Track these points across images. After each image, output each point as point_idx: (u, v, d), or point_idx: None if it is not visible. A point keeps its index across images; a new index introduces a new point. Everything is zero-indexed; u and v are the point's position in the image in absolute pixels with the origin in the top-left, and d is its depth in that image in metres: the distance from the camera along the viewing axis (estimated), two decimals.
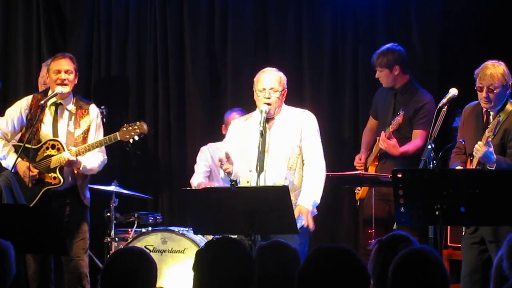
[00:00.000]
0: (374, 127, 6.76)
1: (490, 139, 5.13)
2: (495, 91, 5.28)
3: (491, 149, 5.14)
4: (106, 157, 5.95)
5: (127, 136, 5.65)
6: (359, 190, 6.57)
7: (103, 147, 5.91)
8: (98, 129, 5.87)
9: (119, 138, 5.69)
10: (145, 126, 5.68)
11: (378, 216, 6.38)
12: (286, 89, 5.52)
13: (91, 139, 5.81)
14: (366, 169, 6.53)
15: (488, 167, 5.18)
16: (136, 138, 5.69)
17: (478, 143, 5.16)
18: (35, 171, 5.72)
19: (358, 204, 6.67)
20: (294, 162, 5.43)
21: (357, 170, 6.53)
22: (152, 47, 7.58)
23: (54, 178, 5.72)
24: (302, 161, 5.49)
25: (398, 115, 6.26)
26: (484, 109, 5.40)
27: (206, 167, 6.95)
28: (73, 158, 5.64)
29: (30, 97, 6.02)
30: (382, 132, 6.35)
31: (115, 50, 7.66)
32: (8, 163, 5.87)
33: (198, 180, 6.85)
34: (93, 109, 5.92)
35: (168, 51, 7.55)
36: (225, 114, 6.99)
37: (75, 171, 5.78)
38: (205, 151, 7.00)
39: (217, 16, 7.52)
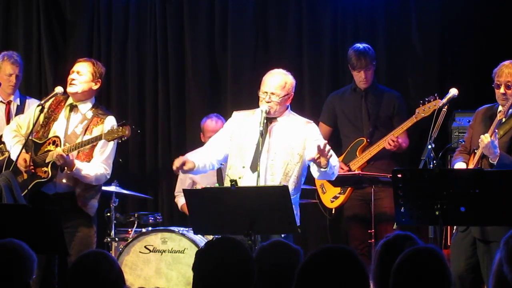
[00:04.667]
0: (327, 135, 6.62)
1: (496, 130, 5.18)
2: None
3: (496, 141, 5.17)
4: (109, 171, 5.78)
5: (110, 138, 5.59)
6: (334, 199, 6.55)
7: (110, 163, 5.79)
8: (106, 141, 5.70)
9: (103, 139, 5.63)
10: (127, 131, 5.55)
11: (361, 217, 6.40)
12: (292, 94, 5.42)
13: (98, 149, 5.74)
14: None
15: (491, 160, 5.20)
16: (119, 141, 5.60)
17: (485, 135, 5.19)
18: (29, 163, 5.70)
19: (333, 212, 6.63)
20: (291, 169, 5.33)
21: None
22: (152, 47, 7.59)
23: (45, 172, 5.69)
24: (301, 169, 5.38)
25: (432, 101, 6.03)
26: (498, 110, 5.40)
27: (187, 181, 6.99)
28: (62, 152, 5.57)
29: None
30: (392, 136, 6.30)
31: (115, 50, 7.67)
32: (13, 153, 5.87)
33: (183, 201, 6.85)
34: (109, 121, 5.77)
35: (168, 51, 7.56)
36: (201, 121, 7.03)
37: (68, 171, 5.71)
38: None
39: (217, 16, 7.52)
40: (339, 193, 6.52)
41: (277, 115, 5.42)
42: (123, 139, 5.56)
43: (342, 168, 6.48)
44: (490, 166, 5.27)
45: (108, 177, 5.85)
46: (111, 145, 5.77)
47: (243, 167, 5.34)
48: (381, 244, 3.65)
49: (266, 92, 5.37)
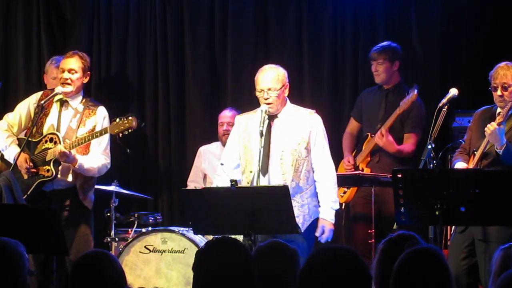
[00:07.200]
0: (355, 130, 6.76)
1: (504, 120, 5.20)
2: (509, 89, 5.33)
3: (504, 129, 5.18)
4: (109, 161, 5.83)
5: (117, 130, 5.60)
6: (343, 194, 6.56)
7: (108, 152, 5.82)
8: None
9: (109, 132, 5.64)
10: (134, 122, 5.58)
11: (366, 216, 6.39)
12: (287, 84, 5.46)
13: (95, 141, 5.75)
14: (356, 168, 6.53)
15: (496, 149, 5.20)
16: (126, 132, 5.62)
17: (491, 123, 5.20)
18: (30, 164, 5.71)
19: (343, 207, 6.64)
20: (300, 164, 5.35)
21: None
22: (152, 47, 7.58)
23: (47, 170, 5.69)
24: (310, 163, 5.40)
25: (411, 93, 6.19)
26: (497, 112, 5.41)
27: (200, 171, 6.98)
28: (64, 149, 5.59)
29: (40, 93, 6.02)
30: (382, 128, 6.33)
31: (115, 50, 7.66)
32: (8, 154, 5.87)
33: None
34: (101, 111, 5.84)
35: (168, 51, 7.55)
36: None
37: (72, 168, 5.72)
38: (199, 154, 7.06)
39: (217, 16, 7.52)
40: (347, 189, 6.54)
41: (278, 112, 5.42)
42: (130, 130, 5.59)
43: (349, 162, 6.52)
44: (489, 167, 5.28)
45: (109, 166, 5.89)
46: (107, 135, 5.79)
47: (250, 171, 5.35)
48: (383, 243, 3.65)
49: (263, 90, 5.38)
